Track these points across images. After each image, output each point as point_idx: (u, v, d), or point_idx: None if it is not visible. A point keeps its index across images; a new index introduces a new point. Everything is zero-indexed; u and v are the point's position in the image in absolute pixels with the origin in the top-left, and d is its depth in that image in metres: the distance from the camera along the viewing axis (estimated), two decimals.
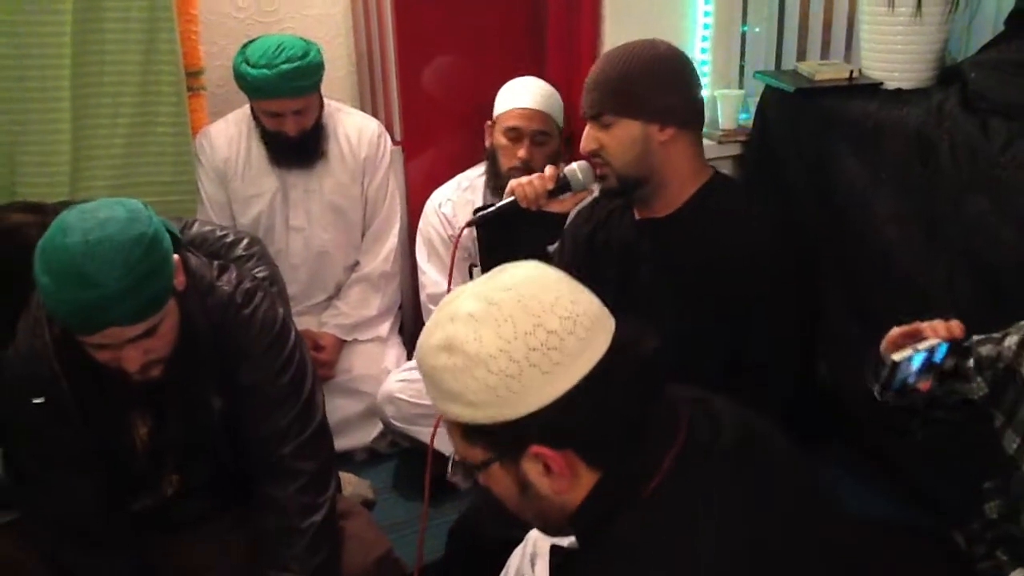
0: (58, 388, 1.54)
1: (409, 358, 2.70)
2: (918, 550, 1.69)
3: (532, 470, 1.02)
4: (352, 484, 2.37)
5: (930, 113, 1.98)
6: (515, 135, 2.47)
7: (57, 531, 1.63)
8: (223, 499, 1.75)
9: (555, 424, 0.99)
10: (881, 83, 2.23)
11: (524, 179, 1.84)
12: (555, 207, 1.85)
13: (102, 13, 2.34)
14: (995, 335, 1.50)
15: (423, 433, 2.43)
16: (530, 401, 0.98)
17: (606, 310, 1.05)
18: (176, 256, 1.49)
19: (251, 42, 2.47)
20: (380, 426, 2.57)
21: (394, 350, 2.74)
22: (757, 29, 2.82)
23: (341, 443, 2.54)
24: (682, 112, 1.77)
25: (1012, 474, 1.46)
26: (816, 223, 2.24)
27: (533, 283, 1.02)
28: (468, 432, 1.04)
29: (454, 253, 2.04)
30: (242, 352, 1.62)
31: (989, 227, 1.83)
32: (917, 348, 1.42)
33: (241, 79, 2.43)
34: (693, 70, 1.82)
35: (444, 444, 2.39)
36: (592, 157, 1.80)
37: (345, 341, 2.69)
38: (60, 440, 1.57)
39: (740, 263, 1.71)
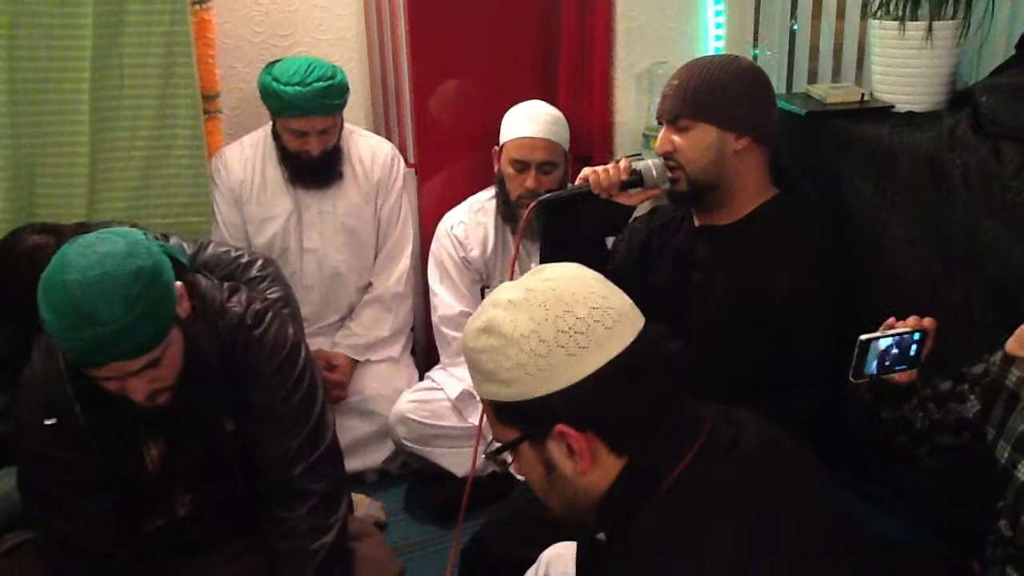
0: (71, 411, 1.55)
1: (421, 379, 2.70)
2: (932, 572, 1.69)
3: (556, 451, 1.10)
4: (364, 505, 2.38)
5: (942, 137, 1.97)
6: (521, 166, 2.48)
7: (68, 552, 1.64)
8: (236, 521, 1.75)
9: (578, 405, 1.07)
10: (892, 106, 2.22)
11: (599, 167, 1.88)
12: (624, 199, 1.90)
13: (122, 38, 2.37)
14: (985, 355, 1.54)
15: (435, 454, 2.45)
16: (556, 380, 1.06)
17: (637, 310, 1.14)
18: (179, 283, 1.50)
19: (276, 62, 2.52)
20: (392, 447, 2.58)
21: (406, 371, 2.76)
22: (768, 52, 2.83)
23: (353, 464, 2.56)
24: (758, 125, 1.85)
25: (1008, 486, 1.47)
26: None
27: (570, 278, 1.12)
28: (501, 411, 1.13)
29: (519, 237, 2.05)
30: (253, 373, 1.63)
31: (1003, 250, 1.82)
32: (884, 332, 1.50)
33: (272, 97, 2.46)
34: (771, 89, 1.91)
35: (457, 466, 2.42)
36: (665, 159, 1.85)
37: (358, 362, 2.71)
38: (72, 461, 1.59)
39: (793, 276, 1.77)
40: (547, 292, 1.09)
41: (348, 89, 2.53)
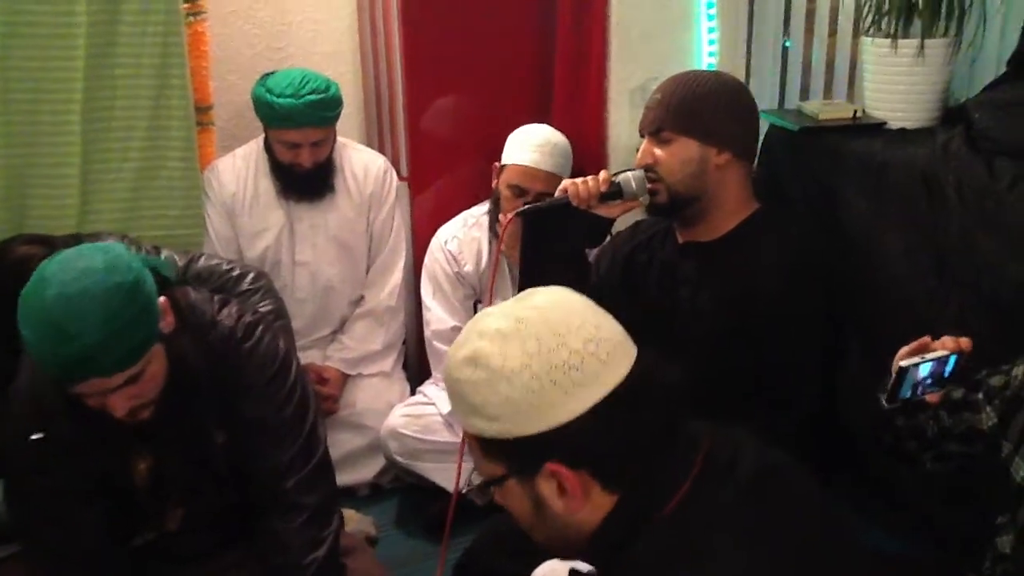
0: (58, 424, 1.53)
1: (413, 393, 2.69)
2: None
3: (546, 488, 1.04)
4: (355, 521, 2.36)
5: (936, 153, 1.98)
6: (519, 191, 2.47)
7: (57, 564, 1.62)
8: (227, 534, 1.74)
9: (571, 443, 1.01)
10: (885, 123, 2.24)
11: (579, 179, 1.86)
12: (603, 211, 1.88)
13: (115, 48, 2.37)
14: (1004, 367, 1.52)
15: (427, 469, 2.44)
16: (548, 418, 1.01)
17: (629, 338, 1.08)
18: (163, 298, 1.49)
19: (270, 74, 2.52)
20: (384, 461, 2.57)
21: (398, 385, 2.75)
22: (760, 68, 2.84)
23: (344, 478, 2.54)
24: (740, 141, 1.86)
25: (1022, 503, 1.46)
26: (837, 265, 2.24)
27: (560, 306, 1.06)
28: (487, 446, 1.06)
29: (499, 248, 2.05)
30: (244, 386, 1.62)
31: (997, 265, 1.83)
32: (924, 357, 1.46)
33: (265, 108, 2.46)
34: (755, 106, 1.91)
35: (448, 480, 2.40)
36: (646, 172, 1.85)
37: (349, 375, 2.70)
38: (61, 475, 1.57)
39: (779, 290, 1.77)
40: (538, 323, 1.03)
41: (341, 102, 2.53)
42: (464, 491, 2.31)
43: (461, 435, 2.29)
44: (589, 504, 1.05)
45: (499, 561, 1.81)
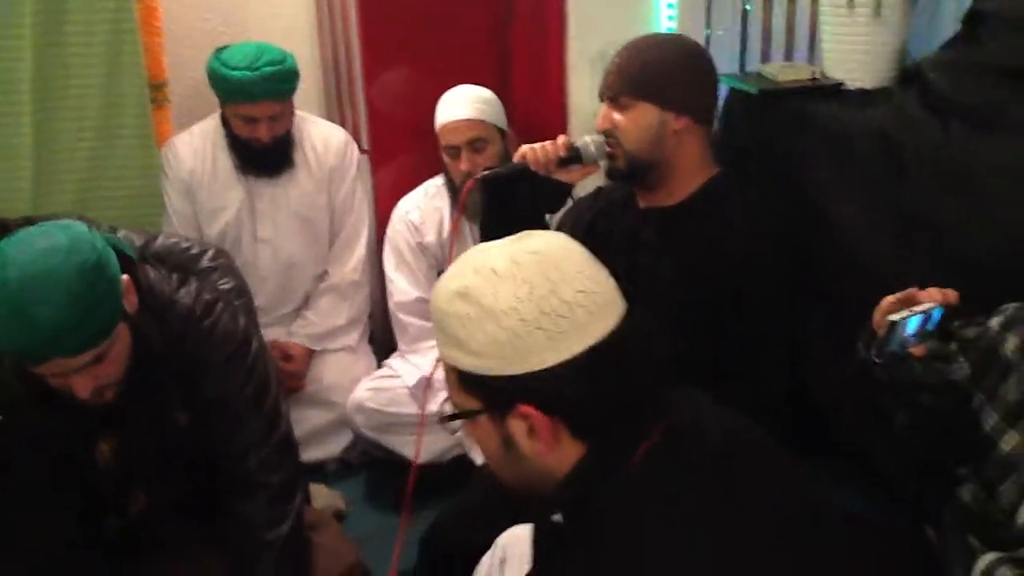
0: (20, 407, 1.52)
1: (379, 367, 2.69)
2: (885, 544, 1.71)
3: (517, 428, 1.06)
4: (323, 496, 2.36)
5: (892, 114, 1.98)
6: (452, 151, 2.47)
7: (25, 553, 1.61)
8: (193, 518, 1.74)
9: (548, 389, 1.03)
10: (842, 83, 2.23)
11: (536, 144, 1.86)
12: (563, 176, 1.87)
13: (64, 27, 2.35)
14: (979, 319, 1.54)
15: (393, 442, 2.44)
16: (531, 361, 1.03)
17: (620, 295, 1.10)
18: (126, 277, 1.47)
19: (224, 48, 2.49)
20: (351, 436, 2.57)
21: (364, 360, 2.74)
22: (720, 32, 2.83)
23: (312, 454, 2.56)
24: (699, 106, 1.86)
25: (988, 454, 1.49)
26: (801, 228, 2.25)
27: (559, 253, 1.07)
28: (465, 379, 1.08)
29: (458, 217, 2.04)
30: (203, 365, 1.62)
31: (958, 228, 1.83)
32: (913, 311, 1.45)
33: (221, 81, 2.43)
34: (714, 70, 1.90)
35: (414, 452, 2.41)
36: (606, 136, 1.85)
37: (314, 351, 2.69)
38: (25, 460, 1.56)
39: (742, 255, 1.77)
40: (534, 267, 1.04)
41: (298, 74, 2.51)
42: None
43: (429, 407, 2.32)
44: (558, 450, 1.07)
45: (464, 535, 1.82)
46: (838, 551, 1.18)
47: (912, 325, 1.47)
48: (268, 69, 2.40)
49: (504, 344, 1.03)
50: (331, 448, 2.62)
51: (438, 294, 1.09)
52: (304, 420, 2.55)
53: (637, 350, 1.06)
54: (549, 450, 1.06)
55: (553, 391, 1.03)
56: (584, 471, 1.07)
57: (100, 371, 1.44)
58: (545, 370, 1.02)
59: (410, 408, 2.45)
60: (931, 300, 1.48)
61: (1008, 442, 1.46)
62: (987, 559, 1.51)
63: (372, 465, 2.60)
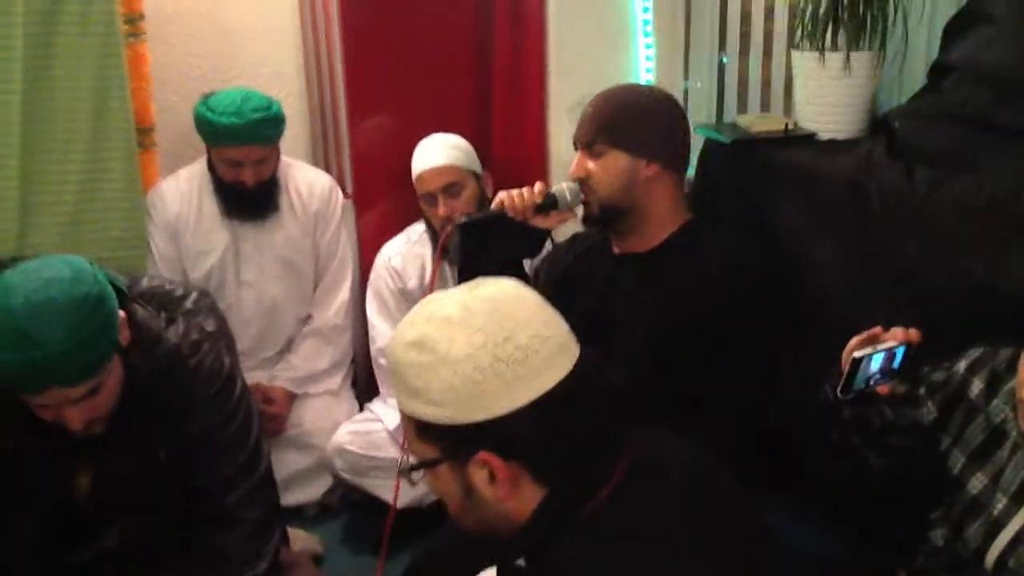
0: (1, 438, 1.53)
1: (361, 411, 2.69)
2: None
3: (477, 475, 1.06)
4: (301, 539, 2.35)
5: (860, 161, 2.04)
6: (429, 198, 2.52)
7: None
8: (168, 552, 1.72)
9: (507, 435, 1.04)
10: (815, 134, 2.30)
11: (514, 191, 1.89)
12: (539, 222, 1.91)
13: (53, 72, 2.39)
14: (946, 363, 1.57)
15: (373, 485, 2.45)
16: (488, 408, 1.03)
17: (574, 338, 1.11)
18: (121, 312, 1.50)
19: (211, 94, 2.53)
20: (331, 480, 2.57)
21: (346, 404, 2.75)
22: (699, 84, 2.90)
23: (292, 498, 2.55)
24: (669, 152, 1.90)
25: (956, 496, 1.51)
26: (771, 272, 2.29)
27: (511, 300, 1.09)
28: (423, 429, 1.08)
29: (438, 262, 2.09)
30: (188, 402, 1.64)
31: (920, 269, 1.88)
32: (876, 348, 1.49)
33: (207, 126, 2.47)
34: (684, 117, 1.95)
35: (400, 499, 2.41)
36: (580, 183, 1.89)
37: (296, 395, 2.70)
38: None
39: (710, 299, 1.80)
40: (487, 314, 1.05)
41: (283, 120, 2.55)
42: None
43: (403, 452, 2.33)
44: (518, 494, 1.08)
45: (442, 569, 1.82)
46: None
47: (875, 362, 1.50)
48: (254, 115, 2.44)
49: (461, 392, 1.03)
50: (311, 492, 2.61)
51: (394, 345, 1.09)
52: (284, 463, 2.55)
53: (592, 391, 1.08)
54: (509, 496, 1.07)
55: (512, 437, 1.04)
56: (545, 515, 1.08)
57: (93, 403, 1.47)
58: (503, 416, 1.03)
59: (390, 452, 2.46)
60: (894, 339, 1.51)
61: (975, 484, 1.49)
62: None
63: (352, 509, 2.60)
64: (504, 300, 1.08)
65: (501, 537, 1.13)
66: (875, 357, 1.50)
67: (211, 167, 2.59)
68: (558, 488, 1.08)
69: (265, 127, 2.48)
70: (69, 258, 1.48)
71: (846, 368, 1.49)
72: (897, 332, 1.53)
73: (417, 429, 1.09)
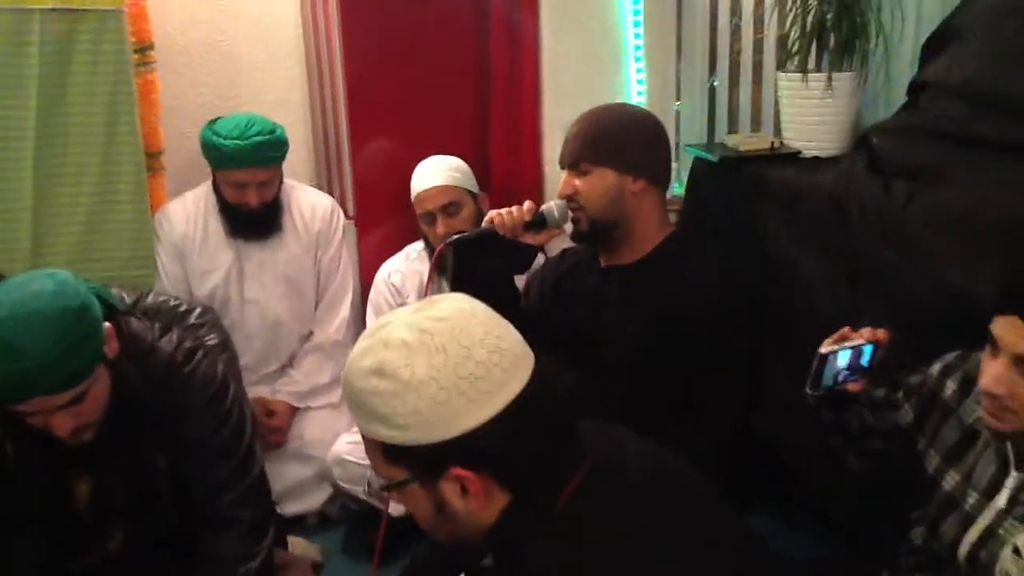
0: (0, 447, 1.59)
1: None
2: None
3: (449, 491, 1.08)
4: (301, 547, 2.40)
5: (840, 177, 2.10)
6: (427, 218, 2.60)
7: None
8: (169, 555, 1.78)
9: (476, 448, 1.05)
10: (800, 152, 2.36)
11: (504, 209, 1.96)
12: (529, 239, 1.97)
13: (66, 98, 2.48)
14: (922, 368, 1.62)
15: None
16: (455, 426, 1.05)
17: (528, 347, 1.14)
18: (108, 324, 1.56)
19: (217, 119, 2.61)
20: (331, 490, 2.61)
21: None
22: (688, 105, 2.97)
23: (293, 508, 2.61)
24: (653, 168, 1.96)
25: (932, 494, 1.56)
26: (752, 282, 2.34)
27: (464, 316, 1.09)
28: (390, 452, 1.09)
29: (431, 276, 2.15)
30: (183, 408, 1.69)
31: (900, 278, 1.93)
32: (843, 345, 1.56)
33: (213, 149, 2.55)
34: (665, 134, 2.01)
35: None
36: (568, 201, 1.95)
37: (298, 408, 2.75)
38: (1, 496, 1.62)
39: (696, 308, 1.85)
40: (444, 334, 1.06)
41: (287, 143, 2.62)
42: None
43: None
44: (490, 504, 1.10)
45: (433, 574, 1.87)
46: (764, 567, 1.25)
47: (842, 359, 1.56)
48: (257, 138, 2.52)
49: (427, 414, 1.03)
50: (311, 502, 2.66)
51: (351, 373, 1.09)
52: (286, 474, 2.61)
53: (551, 397, 1.11)
54: (482, 505, 1.09)
55: (480, 449, 1.05)
56: (510, 517, 1.11)
57: (79, 411, 1.51)
58: (471, 431, 1.05)
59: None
60: (861, 338, 1.57)
61: (949, 482, 1.53)
62: None
63: (350, 518, 2.64)
64: (458, 318, 1.09)
65: (471, 543, 1.15)
66: (841, 354, 1.56)
67: (216, 189, 2.66)
68: (522, 492, 1.11)
69: (268, 150, 2.56)
70: (54, 272, 1.53)
71: (814, 365, 1.54)
72: (865, 331, 1.59)
73: (384, 453, 1.10)
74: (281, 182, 2.69)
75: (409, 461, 1.08)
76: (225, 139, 2.51)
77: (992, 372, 1.36)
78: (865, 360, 1.59)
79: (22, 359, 1.40)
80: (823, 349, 1.54)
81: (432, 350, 1.05)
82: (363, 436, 1.13)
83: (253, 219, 2.64)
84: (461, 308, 1.11)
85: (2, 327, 1.41)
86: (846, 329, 1.60)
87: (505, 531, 1.11)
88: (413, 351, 1.05)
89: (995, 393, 1.36)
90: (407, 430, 1.05)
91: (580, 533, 1.09)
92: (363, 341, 1.11)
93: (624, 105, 2.03)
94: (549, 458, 1.11)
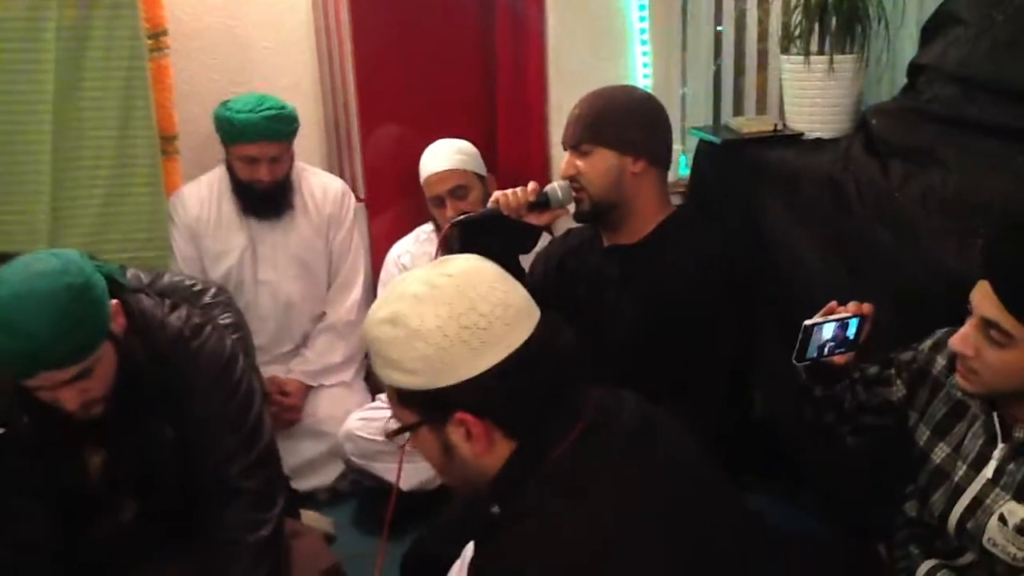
0: (17, 420, 1.64)
1: (373, 402, 2.81)
2: (841, 558, 1.80)
3: (455, 434, 1.17)
4: (314, 520, 2.46)
5: (838, 157, 2.14)
6: (436, 201, 2.65)
7: (16, 558, 1.70)
8: (180, 524, 1.83)
9: (477, 395, 1.14)
10: (802, 134, 2.39)
11: (509, 190, 2.00)
12: (533, 219, 2.01)
13: (82, 84, 2.53)
14: (914, 344, 1.67)
15: (381, 469, 2.55)
16: (458, 373, 1.13)
17: (533, 303, 1.22)
18: (115, 301, 1.60)
19: (230, 99, 2.66)
20: (343, 467, 2.68)
21: (358, 395, 2.86)
22: (691, 90, 3.00)
23: (306, 483, 2.68)
24: (653, 149, 1.99)
25: (923, 467, 1.60)
26: (749, 263, 2.38)
27: (472, 273, 1.18)
28: (403, 396, 1.19)
29: (440, 252, 2.18)
30: (192, 381, 1.73)
31: (895, 258, 1.97)
32: (828, 318, 1.61)
33: (225, 124, 2.61)
34: (665, 115, 2.04)
35: (402, 480, 2.51)
36: (571, 182, 1.99)
37: (311, 387, 2.81)
38: (18, 468, 1.67)
39: (692, 286, 1.89)
40: (451, 288, 1.15)
41: (297, 120, 2.68)
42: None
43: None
44: (493, 450, 1.18)
45: (441, 549, 1.92)
46: (752, 536, 1.30)
47: (827, 331, 1.61)
48: (269, 112, 2.58)
49: (433, 360, 1.13)
50: (323, 477, 2.73)
51: (369, 323, 1.19)
52: (299, 451, 2.68)
53: (552, 351, 1.18)
54: (485, 450, 1.17)
55: (482, 397, 1.14)
56: (514, 464, 1.18)
57: (86, 386, 1.56)
58: (473, 379, 1.13)
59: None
60: (847, 311, 1.62)
61: (938, 454, 1.58)
62: (926, 566, 1.62)
63: (362, 493, 2.71)
64: (466, 275, 1.18)
65: (479, 489, 1.23)
66: (826, 326, 1.61)
67: (229, 169, 2.71)
68: (525, 441, 1.18)
69: (278, 123, 2.61)
70: (59, 251, 1.58)
71: (800, 336, 1.59)
72: (850, 306, 1.64)
73: (398, 396, 1.20)
74: (292, 162, 2.74)
75: (418, 405, 1.18)
76: (236, 113, 2.57)
77: (960, 332, 1.43)
78: (851, 333, 1.64)
79: (28, 336, 1.45)
80: (807, 322, 1.59)
81: (439, 302, 1.14)
82: (382, 382, 1.22)
83: (265, 197, 2.69)
84: (471, 266, 1.20)
85: (7, 305, 1.46)
86: (833, 303, 1.65)
87: (508, 477, 1.18)
88: (423, 302, 1.14)
89: (961, 352, 1.43)
90: (415, 375, 1.14)
91: (572, 480, 1.16)
92: (382, 295, 1.22)
93: (625, 87, 2.06)
94: (548, 409, 1.18)
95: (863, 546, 1.82)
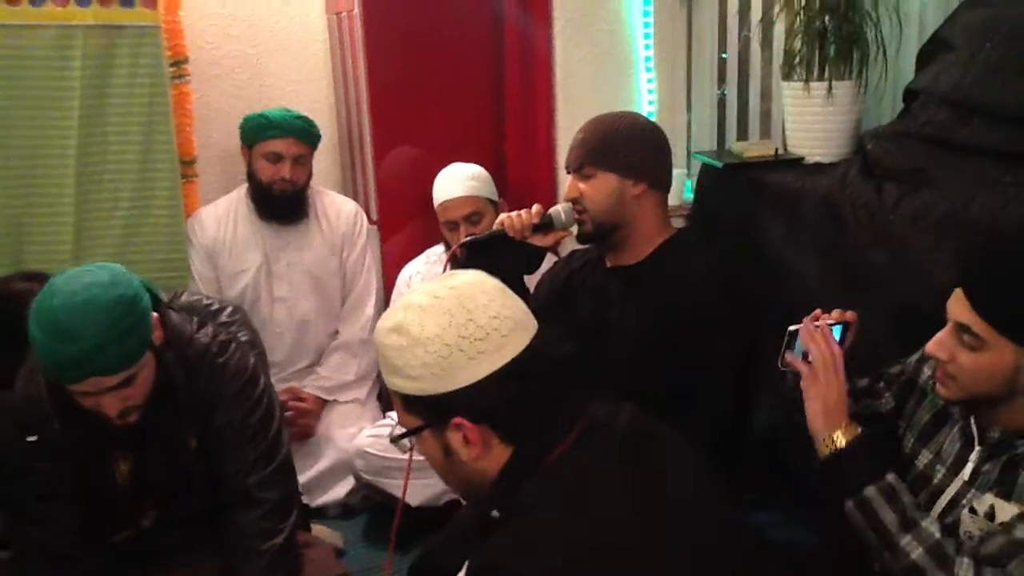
0: (49, 428, 1.71)
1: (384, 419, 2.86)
2: (836, 571, 1.84)
3: (454, 438, 1.23)
4: (324, 535, 2.50)
5: (836, 180, 2.19)
6: (451, 225, 2.71)
7: (40, 561, 1.78)
8: (198, 531, 1.90)
9: (473, 401, 1.20)
10: (802, 158, 2.45)
11: (514, 212, 2.06)
12: (537, 240, 2.06)
13: (106, 110, 2.63)
14: (902, 358, 1.72)
15: (391, 485, 2.59)
16: (456, 380, 1.20)
17: (532, 317, 1.28)
18: (155, 314, 1.68)
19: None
20: (353, 482, 2.73)
21: (371, 412, 2.92)
22: (695, 115, 3.07)
23: (317, 499, 2.73)
24: (653, 173, 2.04)
25: (908, 472, 1.63)
26: (751, 280, 2.43)
27: (473, 286, 1.25)
28: (407, 401, 1.26)
29: (446, 268, 2.24)
30: (217, 395, 1.81)
31: (890, 277, 2.02)
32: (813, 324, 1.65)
33: (258, 119, 2.73)
34: (665, 140, 2.10)
35: (411, 496, 2.55)
36: (574, 204, 2.05)
37: (326, 401, 2.87)
38: (48, 475, 1.74)
39: (689, 307, 1.93)
40: (452, 300, 1.22)
41: (319, 133, 2.80)
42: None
43: (412, 454, 2.46)
44: (490, 454, 1.24)
45: (448, 559, 1.97)
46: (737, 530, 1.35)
47: None
48: (296, 114, 2.74)
49: (433, 367, 1.19)
50: (334, 493, 2.77)
51: (378, 331, 1.27)
52: (311, 466, 2.74)
53: (547, 362, 1.24)
54: (481, 455, 1.24)
55: (477, 403, 1.20)
56: (511, 468, 1.25)
57: (128, 393, 1.64)
58: (470, 386, 1.20)
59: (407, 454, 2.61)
60: (831, 319, 1.69)
61: (922, 460, 1.62)
62: None
63: (372, 509, 2.75)
64: (467, 287, 1.25)
65: (478, 493, 1.29)
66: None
67: (251, 178, 2.79)
68: (521, 446, 1.24)
69: (307, 125, 2.75)
70: (109, 265, 1.67)
71: (784, 341, 1.65)
72: (835, 313, 1.70)
73: (403, 401, 1.27)
74: (311, 176, 2.83)
75: (421, 410, 1.24)
76: (268, 112, 2.70)
77: (936, 337, 1.48)
78: (835, 340, 1.68)
79: (77, 342, 1.53)
80: (791, 327, 1.65)
81: (440, 312, 1.21)
82: (389, 389, 1.29)
83: (283, 202, 2.77)
84: (473, 280, 1.27)
85: (62, 313, 1.54)
86: (817, 311, 1.71)
87: (505, 481, 1.24)
88: (425, 312, 1.22)
89: (936, 355, 1.48)
90: (417, 380, 1.21)
91: (566, 483, 1.21)
92: (391, 306, 1.29)
93: (627, 113, 2.12)
94: (544, 416, 1.24)
95: (860, 559, 1.85)
